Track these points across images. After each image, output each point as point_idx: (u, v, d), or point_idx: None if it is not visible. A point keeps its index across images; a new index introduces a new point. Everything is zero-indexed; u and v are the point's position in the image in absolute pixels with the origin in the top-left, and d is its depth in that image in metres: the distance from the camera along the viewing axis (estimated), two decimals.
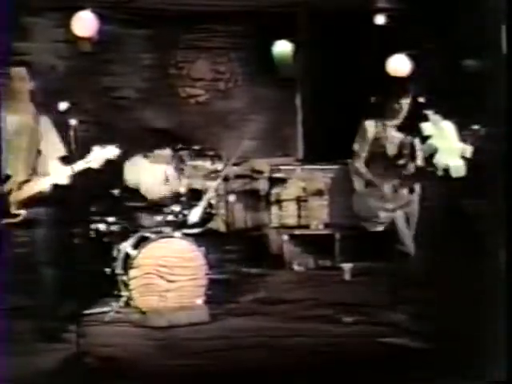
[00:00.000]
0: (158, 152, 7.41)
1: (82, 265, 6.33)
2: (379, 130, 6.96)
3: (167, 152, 7.44)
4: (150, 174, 7.34)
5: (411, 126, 7.04)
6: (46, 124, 5.67)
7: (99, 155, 5.74)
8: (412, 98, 6.90)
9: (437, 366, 4.97)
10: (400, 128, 6.95)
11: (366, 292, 7.19)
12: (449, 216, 7.75)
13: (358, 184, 7.06)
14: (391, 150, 6.92)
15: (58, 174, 5.66)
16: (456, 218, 7.74)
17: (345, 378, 4.96)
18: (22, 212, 5.52)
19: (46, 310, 5.71)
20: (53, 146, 5.72)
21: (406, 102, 6.89)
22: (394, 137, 6.94)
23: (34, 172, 5.65)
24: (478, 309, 5.08)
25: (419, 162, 6.86)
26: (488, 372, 4.58)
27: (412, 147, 6.92)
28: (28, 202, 5.56)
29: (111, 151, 5.83)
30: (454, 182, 7.20)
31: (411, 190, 6.86)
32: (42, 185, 5.63)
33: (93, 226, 7.00)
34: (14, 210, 5.50)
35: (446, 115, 7.38)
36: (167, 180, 7.40)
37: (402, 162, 6.92)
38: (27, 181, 5.55)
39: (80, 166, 5.67)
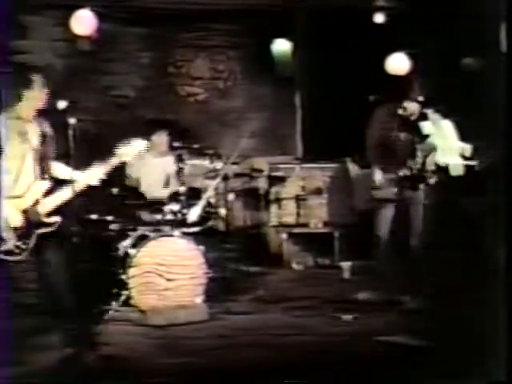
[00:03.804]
0: (154, 138, 7.40)
1: (82, 264, 6.30)
2: (389, 120, 6.96)
3: (164, 138, 7.46)
4: (151, 171, 7.35)
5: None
6: (47, 127, 5.55)
7: (130, 150, 5.78)
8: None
9: (437, 366, 4.97)
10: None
11: (364, 290, 7.08)
12: (449, 214, 7.75)
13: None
14: (400, 142, 6.92)
15: (70, 176, 5.58)
16: (456, 217, 7.76)
17: (344, 376, 4.94)
18: (56, 219, 5.43)
19: (48, 307, 5.64)
20: (53, 148, 5.62)
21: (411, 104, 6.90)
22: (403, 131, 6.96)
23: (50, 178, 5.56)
24: (478, 308, 5.11)
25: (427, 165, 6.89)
26: (488, 372, 4.57)
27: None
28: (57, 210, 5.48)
29: (140, 144, 5.87)
30: (454, 181, 7.25)
31: (415, 188, 6.87)
32: (68, 192, 5.53)
33: (92, 225, 6.98)
34: (46, 219, 5.42)
35: (446, 114, 7.41)
36: (168, 179, 7.44)
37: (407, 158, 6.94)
38: (52, 189, 5.46)
39: (112, 163, 5.72)
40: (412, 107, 6.85)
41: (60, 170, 5.66)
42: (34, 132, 5.47)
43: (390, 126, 6.92)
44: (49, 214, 5.43)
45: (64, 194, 5.47)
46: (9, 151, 5.28)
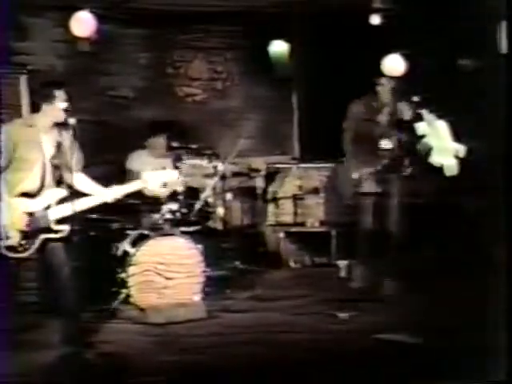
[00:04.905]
0: (152, 140, 7.48)
1: (81, 262, 6.21)
2: (366, 111, 7.04)
3: (162, 140, 7.49)
4: (152, 168, 7.27)
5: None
6: (68, 137, 5.56)
7: (157, 177, 5.84)
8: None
9: (437, 366, 4.97)
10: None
11: (361, 289, 7.21)
12: (448, 214, 7.85)
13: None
14: (377, 134, 7.01)
15: (93, 190, 5.64)
16: (455, 216, 7.83)
17: (341, 374, 4.96)
18: (65, 228, 5.44)
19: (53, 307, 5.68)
20: (76, 158, 5.63)
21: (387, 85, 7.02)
22: (381, 122, 7.05)
23: (68, 187, 5.55)
24: (478, 308, 5.07)
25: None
26: (488, 372, 4.56)
27: (400, 142, 7.03)
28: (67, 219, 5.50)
29: (170, 175, 5.94)
30: (454, 180, 7.30)
31: (387, 181, 6.95)
32: (83, 204, 5.59)
33: (91, 224, 6.94)
34: (54, 226, 5.44)
35: (442, 115, 7.45)
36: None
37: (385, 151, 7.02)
38: (67, 198, 5.45)
39: (136, 186, 5.82)
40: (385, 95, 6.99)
41: (81, 181, 5.66)
42: (48, 141, 5.47)
43: (366, 120, 7.04)
44: (58, 222, 5.44)
45: (77, 206, 5.47)
46: (18, 156, 5.33)
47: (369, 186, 7.10)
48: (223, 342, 5.76)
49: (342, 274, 7.91)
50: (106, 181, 5.88)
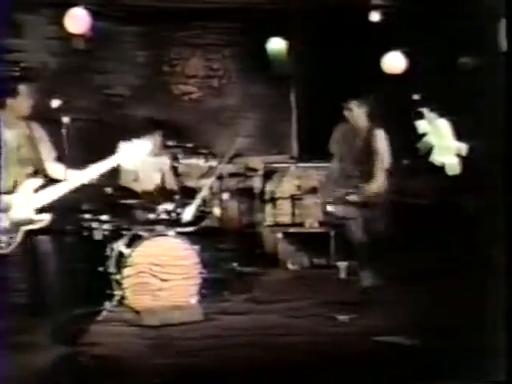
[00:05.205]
0: (147, 138, 7.27)
1: (75, 263, 6.29)
2: (345, 136, 6.98)
3: (158, 139, 7.43)
4: (146, 170, 7.33)
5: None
6: (37, 129, 5.66)
7: (131, 151, 5.84)
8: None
9: (436, 366, 4.97)
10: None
11: (361, 290, 7.14)
12: (447, 213, 7.83)
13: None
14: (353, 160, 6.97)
15: (69, 176, 5.63)
16: (454, 216, 7.79)
17: (340, 377, 4.94)
18: (45, 217, 5.47)
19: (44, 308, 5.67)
20: (47, 149, 5.71)
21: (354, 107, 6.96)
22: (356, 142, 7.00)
23: (44, 176, 5.62)
24: (477, 308, 5.09)
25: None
26: (487, 372, 4.57)
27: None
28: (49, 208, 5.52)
29: (143, 146, 5.91)
30: (453, 179, 7.28)
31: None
32: (62, 189, 5.60)
33: (85, 225, 6.96)
34: (35, 217, 5.46)
35: (443, 113, 7.43)
36: (162, 178, 7.44)
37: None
38: (43, 186, 5.52)
39: (108, 164, 5.78)
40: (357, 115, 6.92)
41: (56, 169, 5.69)
42: (17, 135, 5.50)
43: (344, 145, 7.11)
44: (38, 211, 5.45)
45: (54, 192, 5.52)
46: None
47: (337, 209, 7.04)
48: (220, 345, 5.72)
49: (342, 275, 7.85)
50: None
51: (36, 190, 5.47)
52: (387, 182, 7.11)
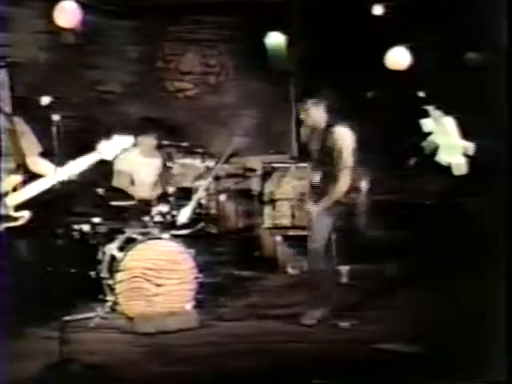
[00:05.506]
0: (142, 139, 7.36)
1: (66, 268, 6.20)
2: (310, 137, 6.77)
3: (152, 138, 7.40)
4: (140, 171, 7.32)
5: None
6: (20, 123, 5.71)
7: (112, 146, 5.88)
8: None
9: (437, 366, 4.97)
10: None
11: (363, 295, 7.13)
12: (447, 213, 7.77)
13: None
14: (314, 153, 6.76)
15: (52, 171, 5.58)
16: (456, 216, 7.75)
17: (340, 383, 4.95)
18: (25, 214, 5.51)
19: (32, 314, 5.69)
20: (30, 143, 5.75)
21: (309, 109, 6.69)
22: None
23: (24, 172, 5.69)
24: (477, 308, 5.11)
25: None
26: (488, 372, 4.60)
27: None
28: (28, 204, 5.59)
29: (124, 141, 5.95)
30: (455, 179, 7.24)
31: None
32: (41, 185, 5.64)
33: (77, 227, 6.88)
34: (14, 213, 5.51)
35: (448, 111, 7.44)
36: (157, 179, 7.41)
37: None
38: (24, 182, 5.60)
39: (90, 159, 5.83)
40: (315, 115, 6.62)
41: (40, 165, 5.73)
42: None
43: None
44: (17, 208, 5.50)
45: (34, 188, 5.59)
46: None
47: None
48: (217, 352, 5.67)
49: (344, 279, 7.74)
50: None
51: (16, 187, 5.53)
52: (361, 180, 6.82)
